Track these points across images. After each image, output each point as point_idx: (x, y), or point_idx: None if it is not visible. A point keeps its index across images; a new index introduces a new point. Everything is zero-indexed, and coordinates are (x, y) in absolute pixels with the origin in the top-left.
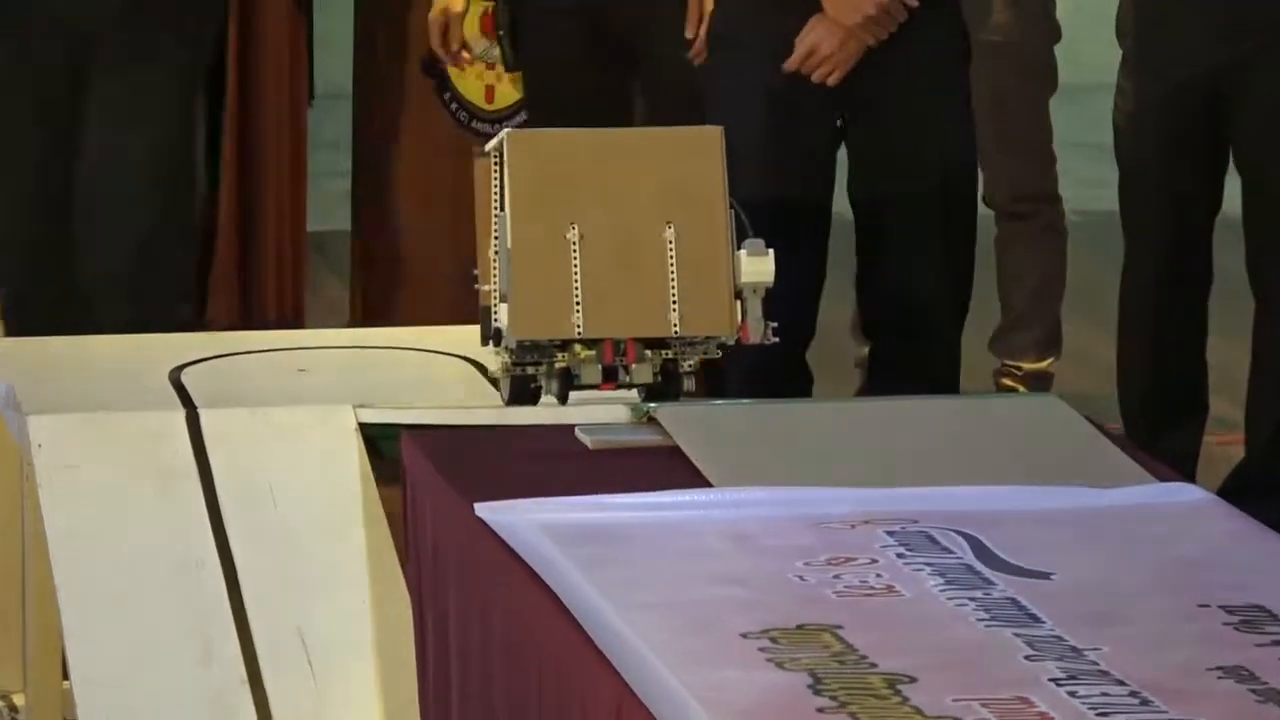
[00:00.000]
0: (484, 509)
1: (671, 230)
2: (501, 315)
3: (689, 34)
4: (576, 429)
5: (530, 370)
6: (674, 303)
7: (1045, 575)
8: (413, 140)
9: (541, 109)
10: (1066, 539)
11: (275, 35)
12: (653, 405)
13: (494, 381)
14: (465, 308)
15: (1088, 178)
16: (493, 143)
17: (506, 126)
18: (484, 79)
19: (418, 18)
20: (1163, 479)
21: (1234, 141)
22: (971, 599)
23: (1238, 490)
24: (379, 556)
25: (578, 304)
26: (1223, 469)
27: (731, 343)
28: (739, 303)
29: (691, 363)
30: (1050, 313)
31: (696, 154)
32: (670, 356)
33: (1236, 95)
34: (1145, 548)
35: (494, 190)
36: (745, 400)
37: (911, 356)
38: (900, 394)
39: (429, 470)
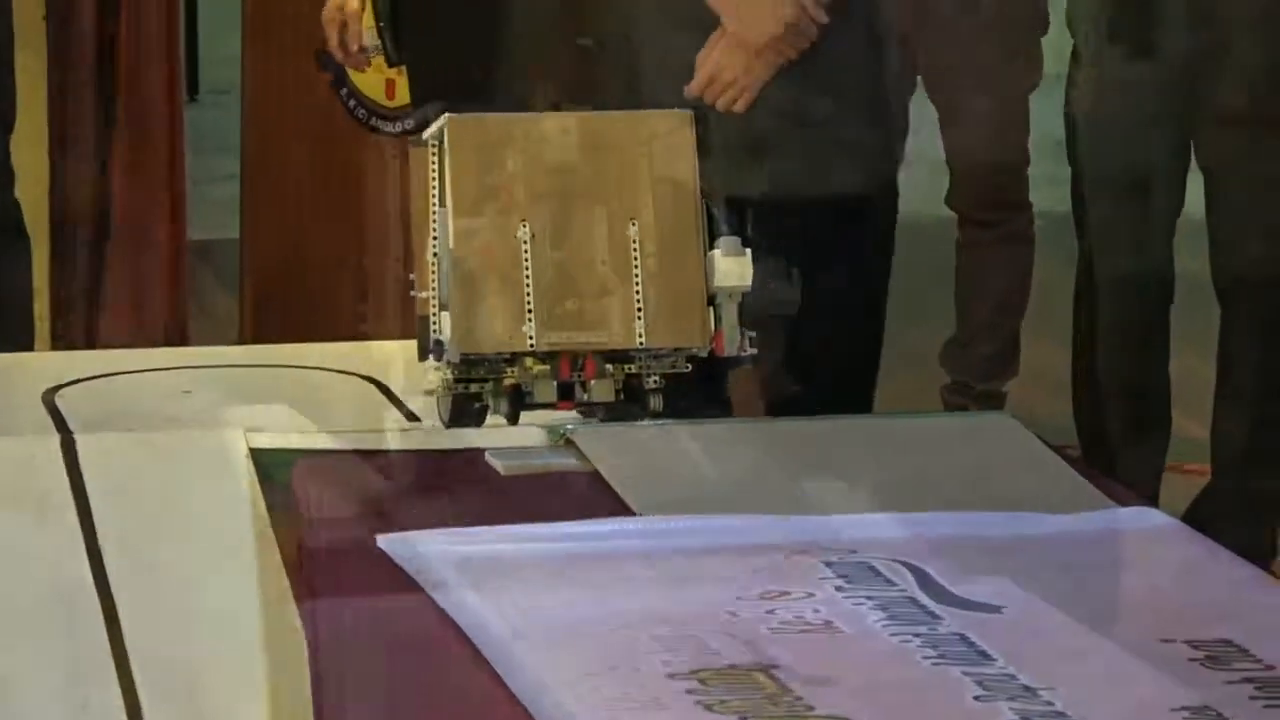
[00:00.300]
0: (387, 541)
1: (636, 228)
2: (442, 325)
3: None
4: (487, 453)
5: (475, 388)
6: (639, 310)
7: (996, 609)
8: (307, 140)
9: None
10: (1019, 569)
11: (145, 23)
12: (570, 427)
13: (404, 411)
14: (366, 322)
15: (1041, 176)
16: (431, 129)
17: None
18: (385, 73)
19: (311, 4)
20: (1123, 503)
21: (1196, 136)
22: (917, 635)
23: (1204, 514)
24: (272, 593)
25: (529, 312)
26: (1188, 491)
27: (704, 355)
28: (712, 309)
29: (656, 378)
30: (1009, 328)
31: (663, 140)
32: (634, 371)
33: (1203, 87)
34: (1104, 577)
35: (433, 183)
36: (670, 421)
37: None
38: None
39: (327, 499)
